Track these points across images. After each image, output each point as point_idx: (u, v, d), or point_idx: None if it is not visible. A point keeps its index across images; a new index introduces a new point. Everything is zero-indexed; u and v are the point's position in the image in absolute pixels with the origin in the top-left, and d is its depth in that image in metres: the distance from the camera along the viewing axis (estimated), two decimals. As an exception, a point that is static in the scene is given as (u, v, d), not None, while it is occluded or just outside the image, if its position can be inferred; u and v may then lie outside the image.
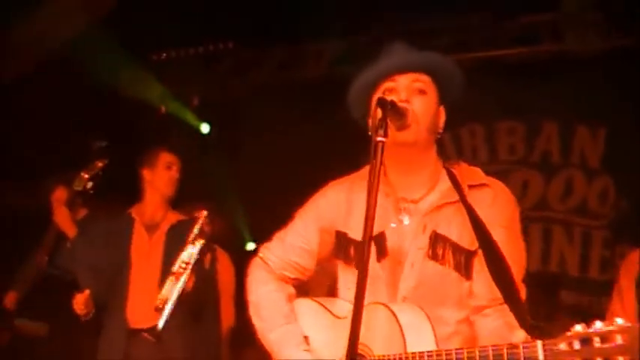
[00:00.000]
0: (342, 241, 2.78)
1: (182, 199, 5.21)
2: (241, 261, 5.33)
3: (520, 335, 2.25)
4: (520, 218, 2.73)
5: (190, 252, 4.64)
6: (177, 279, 4.58)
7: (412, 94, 2.62)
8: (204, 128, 8.27)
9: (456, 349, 2.32)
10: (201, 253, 4.67)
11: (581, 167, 7.22)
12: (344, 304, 2.71)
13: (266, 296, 2.85)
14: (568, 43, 7.01)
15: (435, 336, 2.47)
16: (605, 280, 7.03)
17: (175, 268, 4.60)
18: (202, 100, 8.21)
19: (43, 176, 5.42)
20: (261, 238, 3.08)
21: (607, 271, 6.99)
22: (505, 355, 2.17)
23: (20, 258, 5.24)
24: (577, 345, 1.99)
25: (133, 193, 5.21)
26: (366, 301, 2.46)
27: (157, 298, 4.57)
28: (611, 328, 1.93)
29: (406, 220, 2.66)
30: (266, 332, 2.79)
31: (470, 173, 2.75)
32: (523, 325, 2.31)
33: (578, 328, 2.00)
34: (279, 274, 2.90)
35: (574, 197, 7.23)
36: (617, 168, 7.05)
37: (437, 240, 2.63)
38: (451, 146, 7.61)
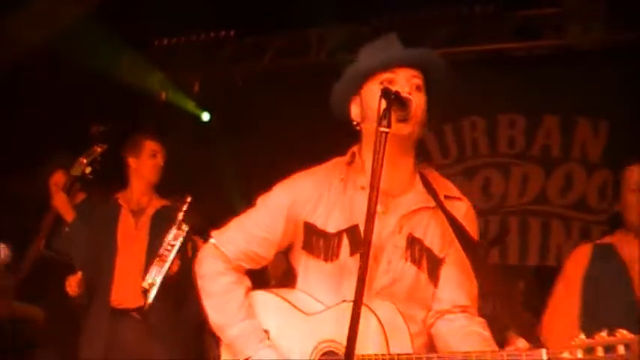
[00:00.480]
0: (310, 232, 2.71)
1: (177, 186, 5.26)
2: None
3: (522, 343, 2.25)
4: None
5: (175, 235, 4.70)
6: (163, 261, 4.66)
7: (411, 89, 2.61)
8: (205, 116, 8.25)
9: (452, 353, 2.35)
10: (187, 237, 4.72)
11: (581, 162, 7.21)
12: (307, 299, 2.66)
13: (224, 290, 2.74)
14: (570, 37, 7.00)
15: (411, 335, 2.48)
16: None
17: (161, 250, 4.68)
18: (203, 87, 8.18)
19: (42, 162, 5.42)
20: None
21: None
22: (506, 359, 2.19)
23: (20, 242, 5.25)
24: (580, 354, 2.03)
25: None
26: (338, 295, 2.51)
27: (142, 280, 4.67)
28: (614, 339, 1.98)
29: (380, 208, 2.58)
30: (226, 328, 2.68)
31: (444, 184, 2.80)
32: (519, 323, 2.36)
33: (582, 337, 2.04)
34: (235, 265, 2.79)
35: (573, 192, 7.22)
36: (618, 162, 7.01)
37: (414, 243, 2.65)
38: (452, 138, 7.61)
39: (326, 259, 2.65)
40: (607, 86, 6.72)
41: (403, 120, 2.52)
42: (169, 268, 4.66)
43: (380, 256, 2.61)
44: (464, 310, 2.67)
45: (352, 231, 2.63)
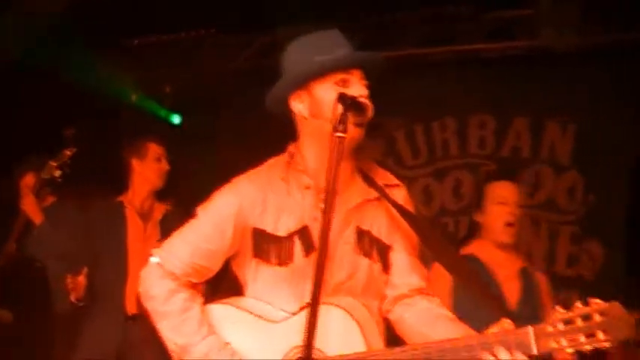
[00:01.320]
0: (260, 238, 2.64)
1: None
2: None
3: (506, 324, 2.31)
4: None
5: None
6: None
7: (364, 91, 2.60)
8: (176, 119, 8.20)
9: (439, 341, 2.35)
10: None
11: (550, 163, 7.28)
12: (266, 307, 2.62)
13: (180, 309, 2.63)
14: (543, 39, 7.05)
15: (378, 327, 2.56)
16: (571, 275, 7.11)
17: None
18: (175, 89, 8.14)
19: (16, 165, 5.39)
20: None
21: (573, 266, 7.07)
22: (495, 341, 2.25)
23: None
24: (561, 326, 2.15)
25: (107, 181, 5.24)
26: (298, 299, 2.51)
27: None
28: (589, 308, 2.13)
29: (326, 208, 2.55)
30: (190, 347, 2.57)
31: (382, 174, 2.81)
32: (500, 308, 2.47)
33: (560, 310, 2.17)
34: (185, 281, 2.68)
35: (542, 193, 7.29)
36: (587, 164, 7.12)
37: (362, 235, 2.67)
38: (423, 139, 7.64)
39: (280, 264, 2.61)
40: (576, 89, 6.80)
41: (360, 125, 2.52)
42: None
43: (332, 254, 2.58)
44: (420, 291, 2.72)
45: (303, 232, 2.61)
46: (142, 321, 4.45)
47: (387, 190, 2.73)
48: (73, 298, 4.75)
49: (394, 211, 2.69)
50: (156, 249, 2.74)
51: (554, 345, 2.16)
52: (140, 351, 4.71)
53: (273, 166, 2.77)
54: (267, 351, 2.54)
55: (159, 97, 8.07)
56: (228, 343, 2.59)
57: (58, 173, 4.98)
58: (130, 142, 5.24)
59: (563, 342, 2.15)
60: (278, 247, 2.62)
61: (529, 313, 2.26)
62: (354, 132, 2.49)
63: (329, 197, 2.27)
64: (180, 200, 5.00)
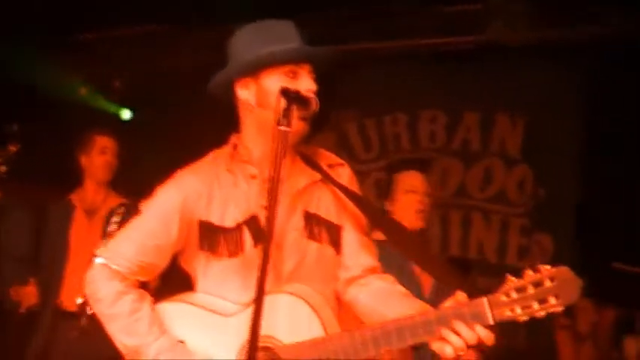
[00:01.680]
0: (207, 230, 2.61)
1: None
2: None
3: (461, 296, 2.30)
4: None
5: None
6: None
7: (313, 85, 2.60)
8: (126, 114, 8.12)
9: (396, 320, 2.32)
10: None
11: (500, 156, 7.35)
12: (217, 301, 2.58)
13: (129, 310, 2.58)
14: (492, 34, 7.10)
15: (334, 311, 2.53)
16: (523, 266, 7.17)
17: None
18: (124, 84, 8.06)
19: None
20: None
21: (524, 258, 7.15)
22: (453, 315, 2.25)
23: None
24: (514, 294, 2.19)
25: (57, 179, 5.18)
26: (250, 290, 2.35)
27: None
28: (539, 274, 2.17)
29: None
30: (143, 348, 2.53)
31: (324, 155, 2.80)
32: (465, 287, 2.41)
33: (512, 279, 2.21)
34: (132, 280, 2.65)
35: (493, 185, 7.36)
36: (536, 157, 7.20)
37: (310, 219, 2.65)
38: (374, 133, 7.67)
39: (230, 255, 2.58)
40: (526, 83, 6.87)
41: (304, 119, 2.52)
42: None
43: (282, 242, 2.58)
44: (373, 271, 2.71)
45: (252, 222, 2.59)
46: (80, 318, 4.64)
47: (331, 170, 2.73)
48: (22, 309, 4.80)
49: (345, 186, 2.70)
50: (100, 249, 2.71)
51: (508, 313, 2.19)
52: (78, 348, 4.68)
53: (216, 157, 2.74)
54: (222, 345, 2.50)
55: (109, 92, 7.97)
56: (181, 342, 2.56)
57: (3, 169, 4.90)
58: (77, 136, 5.20)
59: (518, 310, 2.18)
60: (226, 239, 2.58)
61: (441, 301, 2.26)
62: (298, 125, 2.49)
63: (273, 190, 2.26)
64: (133, 194, 4.94)
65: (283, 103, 2.34)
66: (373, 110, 7.64)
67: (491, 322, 2.21)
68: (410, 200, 4.24)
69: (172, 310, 2.63)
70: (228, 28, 7.27)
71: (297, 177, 2.68)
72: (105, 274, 2.63)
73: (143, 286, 2.69)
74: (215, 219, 2.61)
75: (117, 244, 2.69)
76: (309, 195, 2.68)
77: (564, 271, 2.16)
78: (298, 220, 2.64)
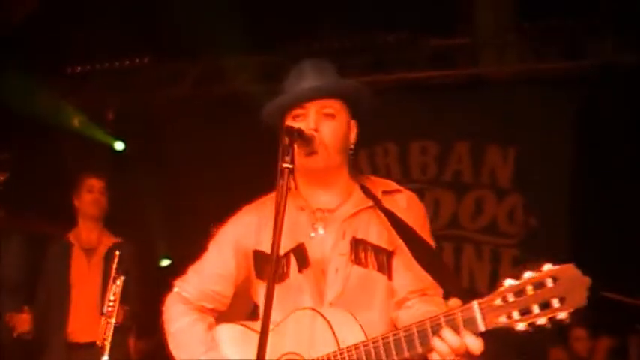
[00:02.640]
0: (260, 259, 2.74)
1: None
2: (155, 277, 5.44)
3: (454, 302, 2.23)
4: (429, 226, 2.81)
5: (114, 292, 4.94)
6: (109, 317, 4.90)
7: (321, 120, 2.65)
8: (119, 146, 8.16)
9: (393, 331, 2.31)
10: (125, 286, 4.95)
11: (491, 187, 7.39)
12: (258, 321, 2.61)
13: (186, 327, 2.78)
14: (481, 66, 7.19)
15: (365, 332, 2.45)
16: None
17: (104, 309, 4.92)
18: (118, 116, 8.09)
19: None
20: (177, 254, 3.03)
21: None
22: (443, 322, 2.16)
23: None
24: (511, 297, 2.00)
25: (46, 207, 5.27)
26: (286, 312, 2.52)
27: (97, 315, 4.93)
28: (540, 273, 1.96)
29: (321, 230, 2.68)
30: None
31: (383, 183, 2.83)
32: (460, 295, 2.31)
33: (509, 281, 2.01)
34: (197, 305, 2.83)
35: (484, 216, 7.40)
36: (526, 187, 7.24)
37: (358, 244, 2.66)
38: (366, 163, 7.70)
39: (278, 281, 2.64)
40: (515, 114, 6.93)
41: (311, 154, 2.58)
42: (116, 322, 4.89)
43: (326, 268, 2.64)
44: (422, 293, 2.61)
45: (298, 250, 2.67)
46: (88, 349, 4.94)
47: (387, 197, 2.74)
48: (15, 333, 5.01)
49: (394, 213, 2.67)
50: (177, 280, 2.89)
51: (504, 319, 2.01)
52: None
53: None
54: None
55: (101, 123, 8.02)
56: None
57: None
58: (70, 179, 5.41)
59: (515, 315, 1.98)
60: (276, 266, 2.59)
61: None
62: (307, 161, 2.59)
63: (278, 223, 2.32)
64: (127, 229, 5.06)
65: (286, 140, 2.40)
66: (364, 141, 7.66)
67: (482, 329, 2.08)
68: None
69: (225, 330, 2.76)
70: (218, 62, 7.42)
71: (350, 205, 2.73)
72: (174, 299, 2.85)
73: (209, 312, 2.85)
74: (266, 248, 2.63)
75: (188, 275, 2.88)
76: (359, 221, 2.70)
77: (568, 268, 1.94)
78: (345, 246, 2.67)
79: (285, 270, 2.67)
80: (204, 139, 7.33)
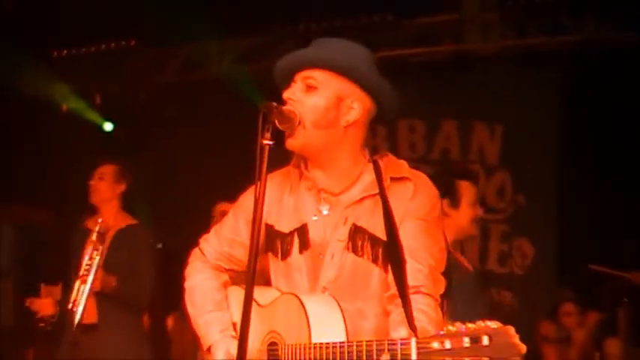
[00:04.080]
0: (270, 233, 2.75)
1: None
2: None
3: (403, 332, 2.28)
4: (440, 212, 2.76)
5: (90, 255, 5.05)
6: (84, 282, 5.00)
7: (301, 92, 2.61)
8: (107, 126, 8.16)
9: (340, 342, 2.34)
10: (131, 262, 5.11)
11: (479, 163, 7.42)
12: (271, 293, 2.71)
13: (200, 283, 2.86)
14: (467, 44, 7.20)
15: (346, 328, 2.47)
16: (503, 272, 7.27)
17: (81, 272, 5.01)
18: (105, 100, 8.09)
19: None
20: (167, 237, 3.06)
21: (505, 264, 7.23)
22: (385, 349, 2.18)
23: None
24: (448, 344, 2.01)
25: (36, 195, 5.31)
26: (289, 290, 2.57)
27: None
28: (479, 328, 1.97)
29: (325, 211, 2.65)
30: (196, 318, 2.81)
31: (394, 166, 2.72)
32: (410, 323, 2.32)
33: (451, 328, 2.02)
34: (215, 264, 2.89)
35: (473, 193, 7.42)
36: (515, 164, 7.28)
37: (356, 232, 2.62)
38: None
39: (282, 258, 2.72)
40: (502, 91, 6.96)
41: (289, 135, 2.54)
42: (92, 285, 4.99)
43: (324, 252, 2.63)
44: (416, 290, 2.54)
45: (301, 230, 2.68)
46: (92, 329, 5.08)
47: (392, 184, 2.64)
48: (38, 317, 5.20)
49: (389, 206, 2.59)
50: (202, 238, 2.97)
51: None
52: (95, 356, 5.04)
53: (288, 169, 2.83)
54: (253, 332, 2.51)
55: (89, 106, 8.02)
56: (233, 322, 2.75)
57: None
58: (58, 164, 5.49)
59: None
60: (281, 243, 2.72)
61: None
62: (287, 144, 2.57)
63: (258, 203, 2.33)
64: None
65: (265, 116, 2.39)
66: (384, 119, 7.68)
67: None
68: (473, 211, 4.35)
69: (234, 293, 2.84)
70: (204, 45, 7.39)
71: (356, 189, 2.68)
72: (196, 256, 2.94)
73: (225, 271, 2.92)
74: (276, 224, 2.75)
75: (210, 233, 2.94)
76: (363, 207, 2.65)
77: (506, 331, 1.95)
78: (344, 232, 2.64)
79: (289, 248, 2.70)
80: (191, 123, 7.33)
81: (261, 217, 2.34)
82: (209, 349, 2.72)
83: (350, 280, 2.62)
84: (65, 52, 7.94)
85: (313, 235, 2.66)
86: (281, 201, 2.75)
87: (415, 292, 2.51)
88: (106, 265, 5.08)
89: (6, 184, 5.22)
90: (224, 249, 2.87)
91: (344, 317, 2.49)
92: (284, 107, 2.52)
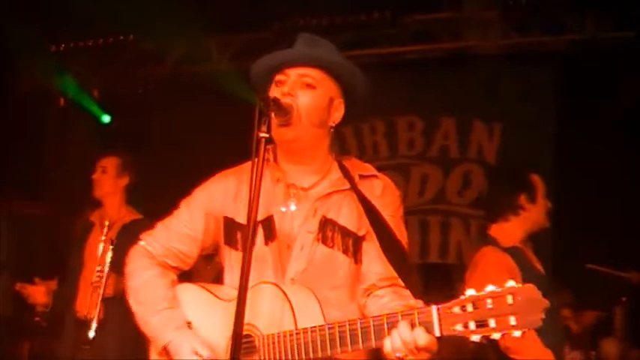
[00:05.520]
0: (229, 226, 2.76)
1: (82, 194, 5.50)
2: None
3: (417, 303, 2.28)
4: (403, 212, 2.82)
5: (100, 261, 5.04)
6: (97, 289, 4.99)
7: (299, 88, 2.64)
8: (106, 118, 8.15)
9: (350, 320, 2.32)
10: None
11: (478, 162, 7.41)
12: (229, 290, 2.69)
13: (149, 280, 2.78)
14: (466, 41, 7.19)
15: (324, 314, 2.48)
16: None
17: (93, 279, 5.02)
18: (103, 93, 8.08)
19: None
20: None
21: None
22: (400, 320, 2.18)
23: None
24: (470, 308, 2.03)
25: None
26: (251, 284, 2.45)
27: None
28: (501, 289, 1.99)
29: (293, 207, 2.70)
30: (147, 316, 2.72)
31: (360, 166, 2.84)
32: (416, 296, 2.38)
33: (471, 291, 2.04)
34: (161, 261, 2.83)
35: (471, 191, 7.42)
36: (513, 163, 7.26)
37: (326, 224, 2.68)
38: (353, 141, 7.71)
39: (243, 250, 2.62)
40: (501, 89, 6.94)
41: (284, 125, 2.57)
42: (104, 292, 4.96)
43: (292, 243, 2.66)
44: (393, 283, 2.62)
45: (267, 221, 2.67)
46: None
47: (361, 180, 2.74)
48: (30, 302, 5.27)
49: (368, 199, 2.69)
50: (144, 234, 2.91)
51: (459, 328, 2.05)
52: (95, 349, 5.00)
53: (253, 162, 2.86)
54: (218, 327, 2.60)
55: (87, 99, 8.01)
56: (187, 321, 2.69)
57: None
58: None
59: (472, 325, 2.02)
60: (243, 235, 2.67)
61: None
62: (279, 133, 2.58)
63: (254, 193, 2.32)
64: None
65: (263, 109, 2.40)
66: (351, 118, 7.67)
67: (437, 334, 2.12)
68: (546, 204, 4.36)
69: (186, 291, 2.79)
70: (204, 40, 7.39)
71: (325, 184, 2.74)
72: (139, 253, 2.86)
73: (171, 269, 2.86)
74: (237, 216, 2.74)
75: (155, 230, 2.89)
76: (332, 202, 2.71)
77: (529, 288, 1.98)
78: (313, 224, 2.68)
79: (253, 239, 2.62)
80: (188, 117, 7.32)
81: (257, 208, 2.33)
82: (165, 349, 2.65)
83: (319, 270, 2.65)
84: (63, 46, 7.92)
85: (280, 226, 2.68)
86: (239, 194, 2.77)
87: (393, 284, 2.61)
88: (111, 262, 5.03)
89: (3, 177, 5.20)
90: (173, 245, 2.83)
91: (321, 307, 2.50)
92: (282, 100, 2.54)
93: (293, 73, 2.66)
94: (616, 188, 6.28)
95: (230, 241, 2.76)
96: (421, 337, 2.13)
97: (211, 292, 2.74)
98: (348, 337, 2.28)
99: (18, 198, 5.46)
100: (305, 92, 2.65)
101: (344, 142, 7.73)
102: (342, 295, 2.68)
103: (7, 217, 5.80)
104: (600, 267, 5.61)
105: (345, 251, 2.67)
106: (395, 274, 2.60)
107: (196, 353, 2.58)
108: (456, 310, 2.05)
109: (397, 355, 2.19)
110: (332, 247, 2.66)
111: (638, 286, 5.66)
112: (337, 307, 2.61)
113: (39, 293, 5.21)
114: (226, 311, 2.57)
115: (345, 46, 7.11)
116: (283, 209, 2.69)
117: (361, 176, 2.76)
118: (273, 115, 2.44)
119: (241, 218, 2.72)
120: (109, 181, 5.38)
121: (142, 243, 2.88)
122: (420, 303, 2.31)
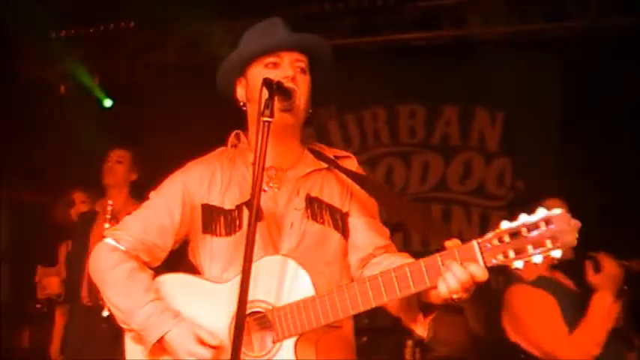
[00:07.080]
0: (208, 213, 2.73)
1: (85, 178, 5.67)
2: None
3: (455, 242, 2.27)
4: None
5: None
6: None
7: (295, 72, 2.66)
8: (107, 102, 8.13)
9: (382, 271, 2.31)
10: None
11: (479, 150, 7.39)
12: (218, 274, 2.67)
13: (129, 274, 2.65)
14: (469, 28, 7.15)
15: (315, 287, 2.46)
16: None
17: None
18: (104, 81, 8.06)
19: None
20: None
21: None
22: (440, 262, 2.21)
23: None
24: (507, 238, 2.10)
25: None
26: (240, 263, 2.37)
27: None
28: (535, 217, 2.07)
29: (276, 189, 2.71)
30: (135, 310, 2.58)
31: (331, 150, 2.89)
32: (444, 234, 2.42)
33: (506, 223, 2.12)
34: (134, 255, 2.72)
35: (473, 179, 7.41)
36: (514, 151, 7.25)
37: (312, 201, 2.71)
38: (354, 128, 7.70)
39: (228, 233, 2.67)
40: (504, 77, 6.91)
41: (287, 110, 2.58)
42: None
43: (282, 222, 2.67)
44: (386, 250, 2.72)
45: (250, 203, 2.61)
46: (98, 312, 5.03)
47: (338, 161, 2.81)
48: (43, 293, 5.48)
49: (346, 178, 2.75)
50: (109, 230, 2.83)
51: (501, 258, 2.12)
52: (95, 337, 5.07)
53: (221, 151, 2.88)
54: (213, 310, 2.56)
55: (90, 82, 8.00)
56: (177, 312, 2.60)
57: None
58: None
59: (511, 254, 2.10)
60: (225, 219, 2.68)
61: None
62: (282, 117, 2.56)
63: (258, 179, 2.31)
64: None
65: (265, 94, 2.39)
66: (352, 106, 7.68)
67: (482, 267, 2.17)
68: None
69: (169, 280, 2.71)
70: (205, 27, 7.36)
71: (303, 165, 2.77)
72: (107, 249, 2.74)
73: (144, 264, 2.76)
74: (216, 202, 2.72)
75: (124, 223, 2.80)
76: (312, 181, 2.75)
77: (560, 213, 2.06)
78: (300, 202, 2.70)
79: (238, 222, 2.66)
80: (189, 104, 7.30)
81: (260, 192, 2.33)
82: (160, 341, 2.54)
83: (312, 246, 2.67)
84: (64, 32, 7.89)
85: (266, 206, 2.67)
86: (214, 181, 2.76)
87: (386, 250, 2.71)
88: None
89: (4, 164, 5.19)
90: (148, 237, 2.74)
91: (314, 283, 2.47)
92: (286, 84, 2.54)
93: (287, 57, 2.67)
94: (619, 176, 6.25)
95: (209, 229, 2.71)
96: (478, 271, 2.17)
97: (200, 277, 2.69)
98: (396, 283, 2.26)
99: (18, 185, 5.46)
100: (301, 77, 2.67)
101: (345, 130, 7.73)
102: (334, 270, 2.71)
103: (7, 204, 5.81)
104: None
105: (335, 227, 2.71)
106: (388, 241, 2.73)
107: (202, 342, 2.50)
108: (495, 242, 2.11)
109: (454, 297, 2.21)
110: (322, 223, 2.70)
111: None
112: (331, 283, 2.59)
113: (54, 284, 5.37)
114: (222, 293, 2.56)
115: (348, 33, 7.11)
116: (266, 189, 2.69)
117: (337, 157, 2.83)
118: (277, 99, 2.43)
119: (221, 203, 2.71)
120: (123, 172, 5.51)
121: (108, 240, 2.76)
122: (457, 242, 2.29)
